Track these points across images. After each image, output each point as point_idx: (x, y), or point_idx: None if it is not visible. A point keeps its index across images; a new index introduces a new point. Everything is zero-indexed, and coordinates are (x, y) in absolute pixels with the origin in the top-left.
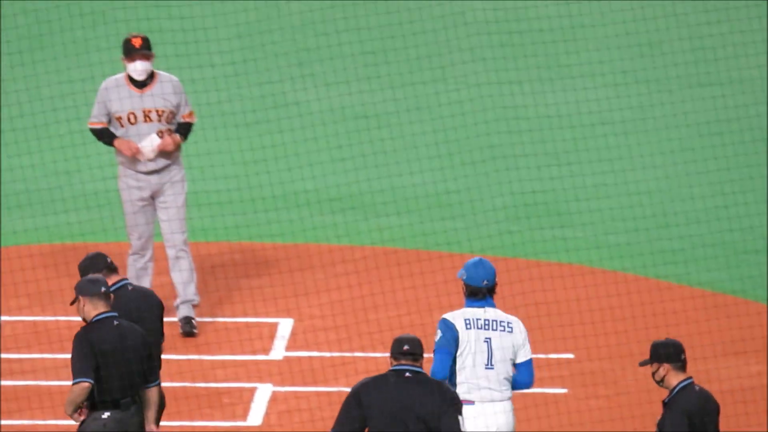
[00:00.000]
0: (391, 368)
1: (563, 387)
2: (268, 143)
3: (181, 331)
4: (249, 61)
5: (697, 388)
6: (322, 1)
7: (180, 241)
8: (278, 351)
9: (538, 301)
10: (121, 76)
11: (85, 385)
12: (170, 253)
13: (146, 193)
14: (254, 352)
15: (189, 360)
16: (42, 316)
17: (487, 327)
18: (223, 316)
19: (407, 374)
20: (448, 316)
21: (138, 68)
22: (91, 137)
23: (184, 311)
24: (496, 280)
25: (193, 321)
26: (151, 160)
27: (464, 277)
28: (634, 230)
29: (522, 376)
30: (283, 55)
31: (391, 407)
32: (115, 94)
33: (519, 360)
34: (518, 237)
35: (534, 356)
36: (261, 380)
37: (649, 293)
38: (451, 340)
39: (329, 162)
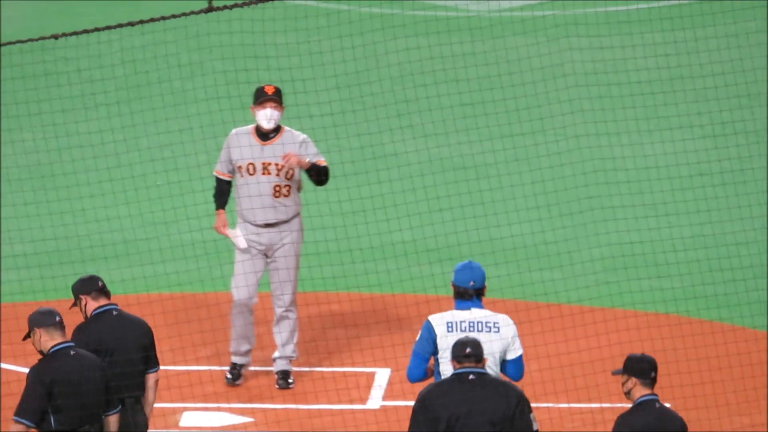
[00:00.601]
0: (453, 372)
1: None
2: (366, 194)
3: (277, 385)
4: (347, 113)
5: (657, 405)
6: (421, 51)
7: (288, 301)
8: (375, 400)
9: (636, 351)
10: (249, 127)
11: (22, 428)
12: (276, 311)
13: (259, 247)
14: (351, 402)
15: (286, 409)
16: None
17: (472, 329)
18: (320, 365)
19: (471, 377)
20: (432, 317)
21: (267, 115)
22: (189, 187)
23: (281, 365)
24: (485, 283)
25: (289, 375)
26: (263, 225)
27: (453, 279)
28: (731, 281)
29: (511, 373)
30: (382, 107)
31: (456, 411)
32: (238, 142)
33: (509, 357)
34: (615, 287)
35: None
36: (357, 429)
37: (746, 343)
38: (427, 344)
39: (427, 213)
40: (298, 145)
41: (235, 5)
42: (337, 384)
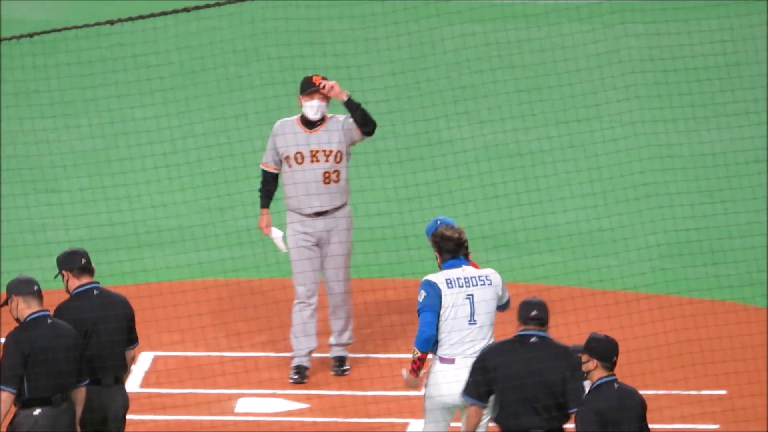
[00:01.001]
0: (517, 333)
1: (715, 423)
2: (422, 181)
3: (332, 371)
4: (403, 99)
5: (616, 386)
6: (477, 37)
7: (342, 289)
8: None
9: (691, 338)
10: (293, 117)
11: (7, 395)
12: (331, 300)
13: (312, 239)
14: (407, 388)
15: (342, 396)
16: (194, 351)
17: (468, 284)
18: (376, 352)
19: (533, 339)
20: (429, 277)
21: (314, 105)
22: (243, 174)
23: (337, 352)
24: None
25: (345, 362)
26: (315, 212)
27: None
28: None
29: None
30: (438, 93)
31: (516, 372)
32: (284, 132)
33: (501, 303)
34: (671, 274)
35: (686, 392)
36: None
37: None
38: (435, 299)
39: (483, 199)
40: (343, 133)
41: None
42: (393, 370)
